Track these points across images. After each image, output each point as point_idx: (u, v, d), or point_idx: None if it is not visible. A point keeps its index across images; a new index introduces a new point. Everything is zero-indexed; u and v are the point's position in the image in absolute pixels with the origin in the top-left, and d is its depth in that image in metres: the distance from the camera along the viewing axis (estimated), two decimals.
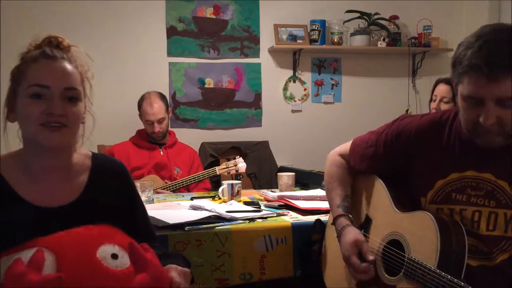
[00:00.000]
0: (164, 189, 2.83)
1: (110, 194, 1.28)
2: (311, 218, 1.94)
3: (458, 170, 1.37)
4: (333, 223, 1.62)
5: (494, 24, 1.27)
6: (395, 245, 1.44)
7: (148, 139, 3.12)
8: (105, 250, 1.08)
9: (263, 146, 3.93)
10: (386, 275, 1.44)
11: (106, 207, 1.26)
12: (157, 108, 3.03)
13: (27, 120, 1.16)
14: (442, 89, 2.86)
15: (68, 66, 1.20)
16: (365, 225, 1.60)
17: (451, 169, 1.38)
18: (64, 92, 1.17)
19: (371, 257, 1.44)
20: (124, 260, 1.09)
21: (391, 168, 1.55)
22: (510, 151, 1.31)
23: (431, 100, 2.96)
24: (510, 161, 1.31)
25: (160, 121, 3.03)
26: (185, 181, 2.84)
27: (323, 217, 1.89)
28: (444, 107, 2.82)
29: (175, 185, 2.84)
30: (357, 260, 1.46)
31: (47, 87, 1.15)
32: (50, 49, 1.21)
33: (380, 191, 1.57)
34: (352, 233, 1.51)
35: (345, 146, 1.71)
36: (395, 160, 1.52)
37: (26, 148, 1.22)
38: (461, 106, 1.30)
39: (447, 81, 2.84)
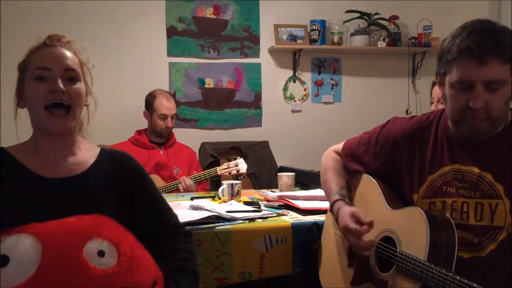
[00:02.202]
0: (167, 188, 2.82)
1: (114, 176, 1.38)
2: (311, 218, 1.95)
3: (445, 165, 1.43)
4: (331, 210, 1.65)
5: (475, 19, 1.35)
6: (388, 241, 1.47)
7: (148, 138, 3.12)
8: (92, 246, 1.10)
9: (263, 146, 3.92)
10: (380, 271, 1.47)
11: (108, 187, 1.35)
12: (173, 103, 3.08)
13: (33, 101, 1.28)
14: (438, 90, 2.89)
15: (67, 52, 1.34)
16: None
17: (440, 164, 1.45)
18: (64, 73, 1.30)
19: (369, 219, 1.45)
20: (111, 258, 1.11)
21: (381, 167, 1.60)
22: (493, 144, 1.37)
23: (431, 102, 3.00)
24: (494, 153, 1.36)
25: (173, 117, 3.06)
26: None
27: (321, 218, 1.89)
28: (441, 107, 2.84)
29: (176, 184, 2.84)
30: (355, 225, 1.46)
31: (48, 69, 1.29)
32: (50, 39, 1.35)
33: (373, 191, 1.61)
34: (349, 208, 1.54)
35: (340, 145, 1.76)
36: (385, 159, 1.58)
37: (35, 133, 1.34)
38: (448, 96, 1.35)
39: None
